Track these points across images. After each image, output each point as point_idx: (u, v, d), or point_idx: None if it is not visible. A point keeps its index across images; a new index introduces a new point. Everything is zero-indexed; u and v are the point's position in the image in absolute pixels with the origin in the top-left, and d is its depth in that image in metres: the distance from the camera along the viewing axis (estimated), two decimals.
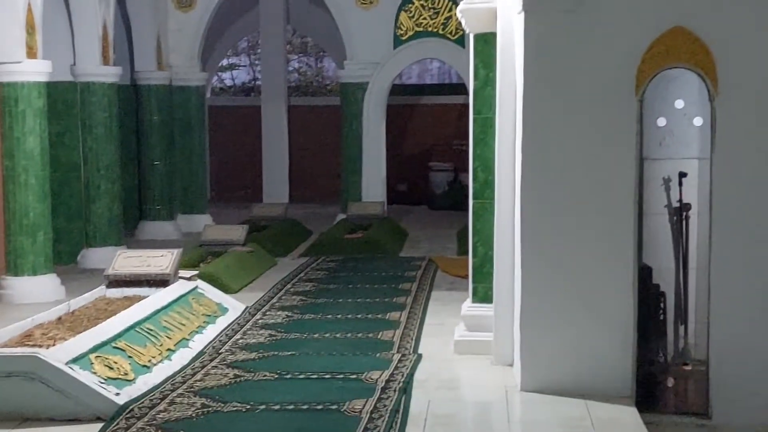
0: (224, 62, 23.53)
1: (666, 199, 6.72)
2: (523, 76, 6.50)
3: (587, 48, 6.31)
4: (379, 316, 8.99)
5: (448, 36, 15.09)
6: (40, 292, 9.93)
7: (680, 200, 6.70)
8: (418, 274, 11.22)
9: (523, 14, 6.46)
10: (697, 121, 6.41)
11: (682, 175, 6.64)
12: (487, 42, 7.35)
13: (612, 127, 6.29)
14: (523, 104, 6.49)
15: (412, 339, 8.10)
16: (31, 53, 9.86)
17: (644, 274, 6.58)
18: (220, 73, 23.92)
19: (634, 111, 6.27)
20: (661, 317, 6.77)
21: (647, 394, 6.48)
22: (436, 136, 19.13)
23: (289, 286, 10.56)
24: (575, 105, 6.36)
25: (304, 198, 18.92)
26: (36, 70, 9.93)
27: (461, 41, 14.64)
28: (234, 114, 20.24)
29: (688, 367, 6.71)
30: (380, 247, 12.92)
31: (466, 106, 8.26)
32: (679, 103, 6.44)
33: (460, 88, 15.92)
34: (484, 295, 7.63)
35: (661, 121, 6.45)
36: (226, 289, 9.80)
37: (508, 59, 6.99)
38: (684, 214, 6.74)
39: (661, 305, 6.77)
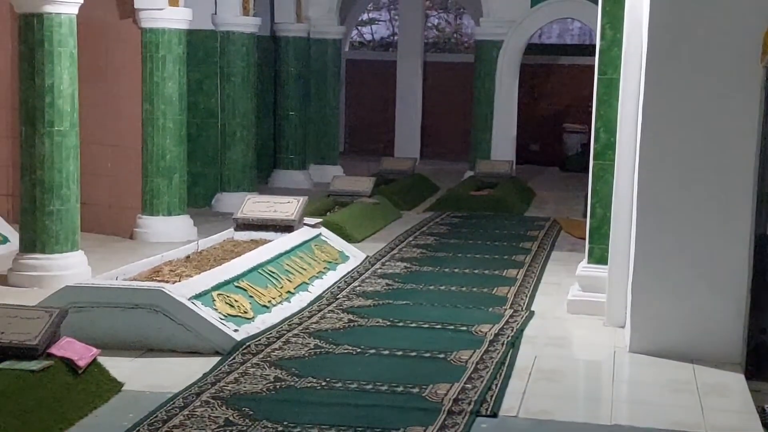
0: (364, 17, 23.73)
1: None
2: (648, 38, 6.45)
3: (714, 11, 6.23)
4: (497, 272, 9.09)
5: None
6: (174, 231, 10.33)
7: None
8: (541, 233, 11.24)
9: None
10: None
11: None
12: (615, 2, 7.30)
13: (735, 93, 6.20)
14: (647, 66, 6.45)
15: (526, 296, 8.18)
16: (173, 1, 10.20)
17: (763, 242, 6.50)
18: (360, 28, 24.13)
19: (758, 78, 6.16)
20: None
21: (757, 363, 6.42)
22: (572, 97, 18.97)
23: (411, 238, 10.74)
24: (699, 69, 6.29)
25: (434, 154, 19.05)
26: (177, 18, 10.26)
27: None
28: (370, 68, 20.45)
29: None
30: (505, 206, 12.96)
31: None
32: None
33: None
34: (600, 256, 7.63)
35: None
36: (349, 238, 10.03)
37: (636, 20, 6.94)
38: None
39: None
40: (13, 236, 9.31)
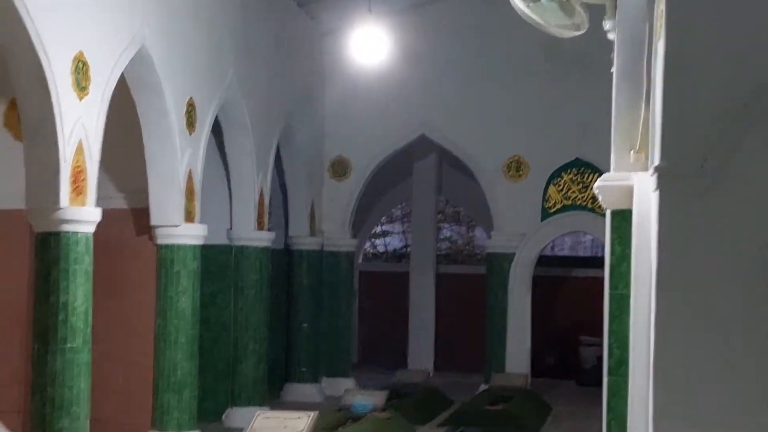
0: (378, 229, 24.11)
1: None
2: (658, 254, 6.48)
3: (723, 228, 6.27)
4: None
5: (597, 210, 15.13)
6: None
7: None
8: None
9: (657, 193, 6.49)
10: None
11: None
12: (623, 218, 7.38)
13: (748, 309, 6.16)
14: (657, 282, 6.45)
15: None
16: (189, 217, 10.40)
17: None
18: (373, 240, 24.47)
19: None
20: None
21: None
22: (587, 309, 18.92)
23: None
24: (712, 284, 6.27)
25: (448, 366, 18.86)
26: (192, 234, 10.45)
27: None
28: (384, 279, 20.58)
29: None
30: (521, 421, 12.74)
31: None
32: None
33: None
34: None
35: None
36: None
37: (644, 236, 6.99)
38: None
39: None
40: None
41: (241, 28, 12.26)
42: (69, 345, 8.15)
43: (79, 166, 8.30)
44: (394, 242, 25.17)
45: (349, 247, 16.09)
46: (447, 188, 20.14)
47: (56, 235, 8.17)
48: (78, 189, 8.29)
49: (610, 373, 7.50)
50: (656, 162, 6.37)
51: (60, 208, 8.15)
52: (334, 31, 15.52)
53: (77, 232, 8.22)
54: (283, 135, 13.89)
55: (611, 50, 7.69)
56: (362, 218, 19.12)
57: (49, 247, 8.19)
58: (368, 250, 24.07)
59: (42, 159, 8.17)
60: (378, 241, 25.12)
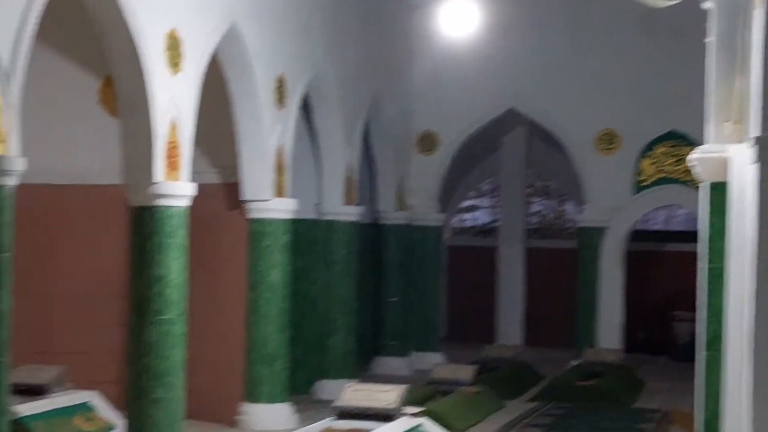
0: (466, 203, 24.01)
1: None
2: (758, 228, 6.32)
3: None
4: None
5: (691, 183, 14.84)
6: (275, 419, 10.31)
7: None
8: (651, 427, 10.86)
9: (756, 165, 6.33)
10: None
11: None
12: (719, 191, 7.22)
13: None
14: (756, 257, 6.30)
15: None
16: (279, 192, 10.49)
17: None
18: (461, 214, 24.38)
19: None
20: None
21: None
22: (680, 284, 18.61)
23: (513, 431, 10.47)
24: None
25: (538, 341, 18.75)
26: (283, 208, 10.54)
27: None
28: (472, 254, 20.53)
29: None
30: (613, 396, 12.61)
31: None
32: None
33: None
34: None
35: None
36: (450, 429, 9.83)
37: (742, 209, 6.83)
38: None
39: None
40: (122, 423, 9.37)
41: (330, 4, 12.28)
42: (164, 317, 8.30)
43: (173, 142, 8.42)
44: (483, 216, 25.05)
45: (436, 221, 16.09)
46: (536, 162, 19.97)
47: (151, 210, 8.31)
48: (172, 164, 8.42)
49: (706, 348, 7.37)
50: (755, 133, 6.21)
51: (155, 183, 8.28)
52: (423, 5, 15.44)
53: (171, 207, 8.35)
54: (371, 110, 13.91)
55: (706, 19, 7.52)
56: (450, 193, 19.07)
57: (144, 222, 8.34)
58: (456, 224, 24.00)
59: (137, 135, 8.32)
60: (466, 216, 25.03)
